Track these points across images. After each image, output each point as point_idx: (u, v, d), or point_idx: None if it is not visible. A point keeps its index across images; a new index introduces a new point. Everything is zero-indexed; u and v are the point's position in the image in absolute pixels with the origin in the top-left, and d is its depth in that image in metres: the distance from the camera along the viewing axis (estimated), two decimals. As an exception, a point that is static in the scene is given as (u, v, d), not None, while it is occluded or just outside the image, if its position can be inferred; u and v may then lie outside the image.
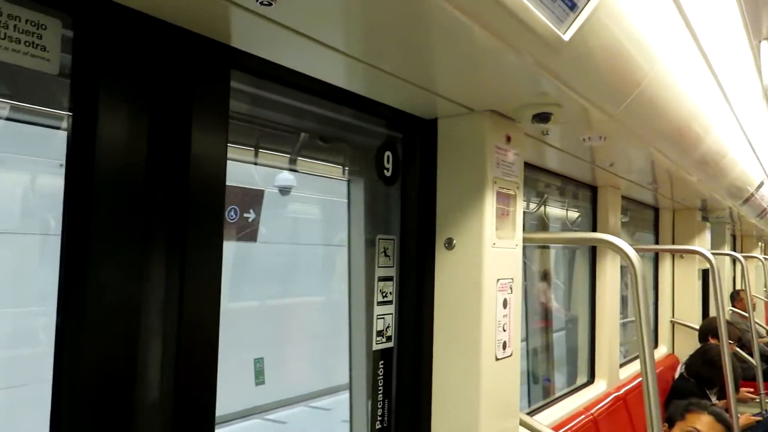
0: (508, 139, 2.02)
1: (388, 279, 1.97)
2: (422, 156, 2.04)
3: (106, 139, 1.17)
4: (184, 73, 1.30)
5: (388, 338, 1.97)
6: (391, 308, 1.98)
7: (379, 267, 1.95)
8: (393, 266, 2.00)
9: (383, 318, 1.95)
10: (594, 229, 3.69)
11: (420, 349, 2.01)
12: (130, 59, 1.21)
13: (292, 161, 2.97)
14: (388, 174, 1.99)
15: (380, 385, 1.94)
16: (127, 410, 1.19)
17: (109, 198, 1.17)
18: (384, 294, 1.95)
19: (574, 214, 3.94)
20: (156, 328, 1.25)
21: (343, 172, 2.38)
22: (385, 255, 1.97)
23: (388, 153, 2.00)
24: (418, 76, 1.64)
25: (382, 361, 1.95)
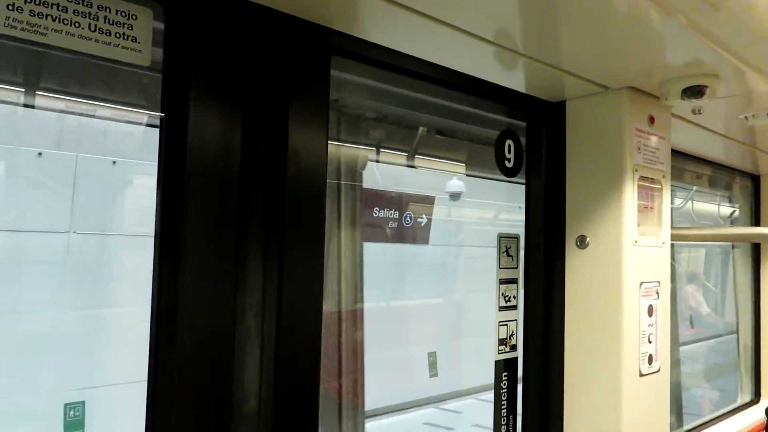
0: (652, 120, 1.74)
1: (512, 281, 1.77)
2: (548, 144, 1.82)
3: (199, 135, 1.10)
4: (280, 60, 1.21)
5: (512, 347, 1.77)
6: (515, 314, 1.78)
7: (500, 268, 1.76)
8: (517, 267, 1.79)
9: (506, 325, 1.76)
10: (756, 224, 3.20)
11: (548, 361, 1.79)
12: (223, 48, 1.13)
13: (410, 158, 2.84)
14: (509, 165, 1.79)
15: (503, 399, 1.75)
16: (223, 420, 1.11)
17: (202, 197, 1.10)
18: (507, 298, 1.76)
19: (726, 210, 3.44)
20: (253, 334, 1.17)
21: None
22: (507, 255, 1.77)
23: (509, 142, 1.80)
24: (544, 51, 1.43)
25: (505, 373, 1.76)
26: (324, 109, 1.26)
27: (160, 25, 1.11)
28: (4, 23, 0.93)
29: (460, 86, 1.64)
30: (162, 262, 1.08)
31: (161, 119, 1.12)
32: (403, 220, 2.20)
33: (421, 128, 2.36)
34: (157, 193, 1.10)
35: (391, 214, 2.13)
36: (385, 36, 1.33)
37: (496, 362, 1.74)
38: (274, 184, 1.19)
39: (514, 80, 1.67)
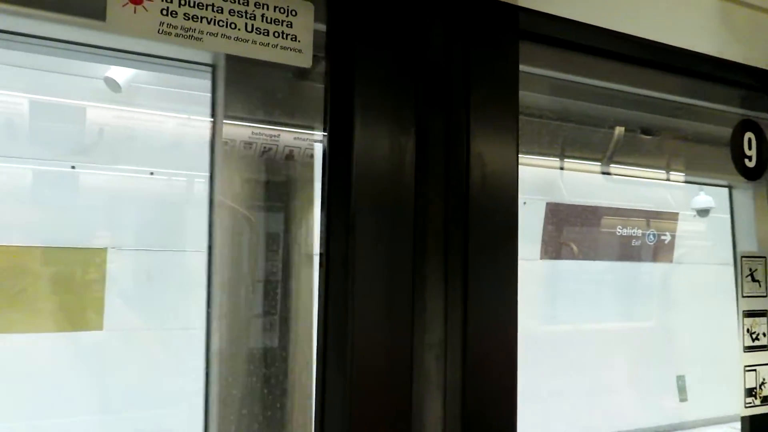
0: None
1: (761, 314, 1.37)
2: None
3: (366, 147, 0.93)
4: (458, 52, 1.02)
5: (765, 399, 1.37)
6: (766, 356, 1.37)
7: (743, 297, 1.38)
8: (766, 296, 1.39)
9: (754, 370, 1.36)
10: None
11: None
12: (392, 44, 0.97)
13: (606, 164, 2.48)
14: (750, 164, 1.41)
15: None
16: (402, 484, 0.92)
17: (372, 214, 0.93)
18: (754, 335, 1.36)
19: None
20: (434, 380, 0.97)
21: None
22: (753, 279, 1.38)
23: (749, 135, 1.41)
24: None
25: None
26: (513, 104, 1.04)
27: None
28: (159, 30, 0.85)
29: (677, 66, 1.31)
30: (328, 289, 0.93)
31: (325, 132, 0.97)
32: (646, 238, 2.01)
33: (618, 128, 2.02)
34: (321, 213, 0.96)
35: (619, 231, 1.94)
36: (580, 6, 1.07)
37: (743, 419, 1.35)
38: (454, 199, 0.99)
39: (753, 52, 1.30)
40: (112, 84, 1.73)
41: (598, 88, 1.54)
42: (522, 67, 1.09)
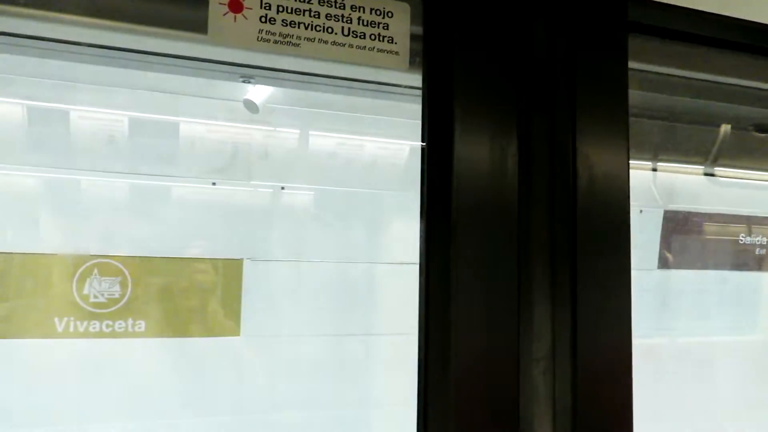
0: None
1: None
2: None
3: (466, 147, 0.89)
4: (561, 48, 0.96)
5: None
6: None
7: None
8: None
9: None
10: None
11: None
12: (490, 41, 0.92)
13: (709, 166, 2.34)
14: None
15: None
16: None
17: (474, 222, 0.89)
18: None
19: None
20: (542, 394, 0.91)
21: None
22: None
23: None
24: None
25: None
26: (622, 102, 0.97)
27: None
28: (258, 37, 0.85)
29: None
30: (428, 301, 0.89)
31: (424, 142, 0.94)
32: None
33: (724, 126, 1.88)
34: (420, 222, 0.92)
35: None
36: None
37: None
38: (560, 201, 0.93)
39: None
40: (251, 105, 1.85)
41: (705, 82, 1.43)
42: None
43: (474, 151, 0.89)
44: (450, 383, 0.85)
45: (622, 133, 0.96)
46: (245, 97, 1.83)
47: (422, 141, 0.93)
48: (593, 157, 0.93)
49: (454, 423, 0.85)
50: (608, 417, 0.91)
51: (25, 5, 0.86)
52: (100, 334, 1.65)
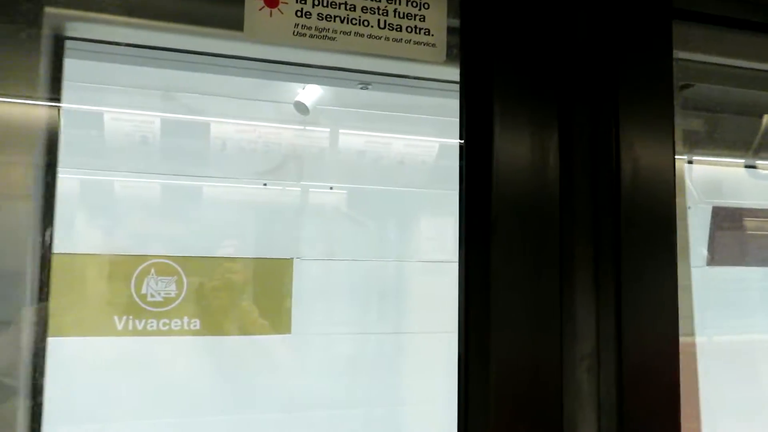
0: None
1: None
2: None
3: (506, 141, 0.87)
4: (603, 37, 0.93)
5: None
6: None
7: None
8: None
9: None
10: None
11: None
12: (530, 31, 0.90)
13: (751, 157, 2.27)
14: None
15: None
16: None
17: (514, 218, 0.87)
18: None
19: None
20: (586, 393, 0.89)
21: None
22: None
23: None
24: None
25: None
26: (667, 92, 0.93)
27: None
28: (294, 32, 0.84)
29: None
30: (468, 300, 0.88)
31: (461, 137, 0.92)
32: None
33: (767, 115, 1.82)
34: (459, 220, 0.90)
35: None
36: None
37: None
38: (604, 196, 0.90)
39: None
40: (302, 108, 1.87)
41: (749, 71, 1.38)
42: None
43: (514, 145, 0.86)
44: (491, 382, 0.83)
45: (668, 124, 0.92)
46: (296, 99, 1.84)
47: (460, 136, 0.91)
48: (637, 149, 0.90)
49: (494, 422, 0.83)
50: (655, 417, 0.88)
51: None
52: (157, 332, 1.67)
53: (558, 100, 0.89)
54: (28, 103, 0.87)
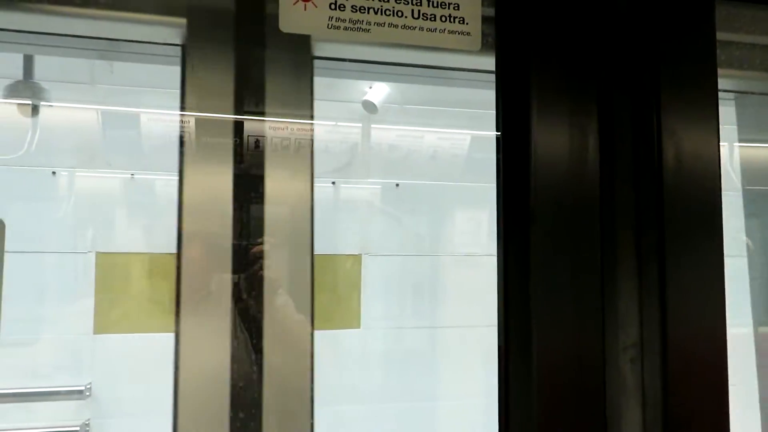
0: None
1: None
2: None
3: (544, 129, 0.86)
4: (643, 20, 0.91)
5: None
6: None
7: None
8: None
9: None
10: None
11: None
12: (568, 14, 0.88)
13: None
14: None
15: None
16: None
17: (554, 207, 0.85)
18: None
19: None
20: (630, 384, 0.87)
21: None
22: None
23: None
24: None
25: None
26: (710, 75, 0.91)
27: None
28: (328, 24, 0.84)
29: None
30: (507, 291, 0.87)
31: (498, 128, 0.91)
32: None
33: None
34: (498, 210, 0.89)
35: None
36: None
37: None
38: (645, 183, 0.88)
39: None
40: (370, 106, 1.89)
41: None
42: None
43: (552, 134, 0.85)
44: (533, 374, 0.83)
45: (711, 108, 0.90)
46: (364, 98, 1.85)
47: (496, 127, 0.90)
48: (681, 134, 0.87)
49: (537, 414, 0.82)
50: (702, 409, 0.86)
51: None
52: None
53: (597, 86, 0.87)
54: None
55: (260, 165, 0.96)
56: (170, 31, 0.97)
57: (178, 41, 0.96)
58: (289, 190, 0.99)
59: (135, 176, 1.94)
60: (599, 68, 0.88)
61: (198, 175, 0.95)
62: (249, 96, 0.96)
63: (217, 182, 0.95)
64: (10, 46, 1.03)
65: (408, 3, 0.86)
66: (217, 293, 0.96)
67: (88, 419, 1.86)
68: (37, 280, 1.86)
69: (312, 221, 1.00)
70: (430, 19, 0.87)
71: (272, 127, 0.96)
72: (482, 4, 0.91)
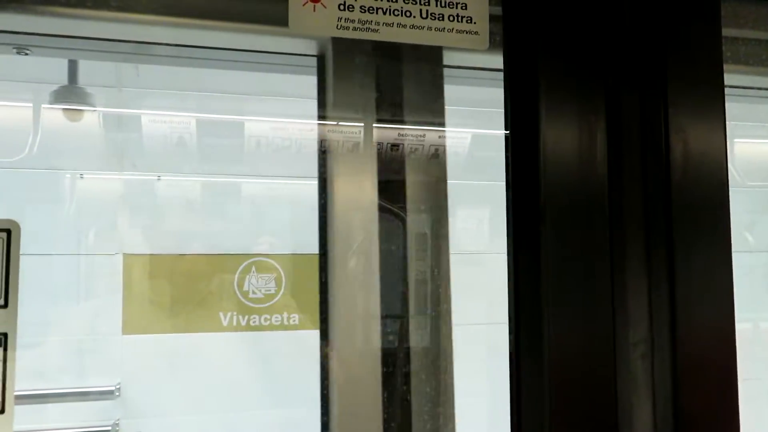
0: None
1: None
2: None
3: (552, 126, 0.86)
4: (650, 16, 0.91)
5: None
6: None
7: None
8: None
9: None
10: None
11: None
12: (575, 12, 0.89)
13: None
14: None
15: None
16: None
17: (563, 204, 0.86)
18: None
19: None
20: (641, 381, 0.88)
21: None
22: None
23: None
24: None
25: None
26: (717, 72, 0.91)
27: None
28: (337, 25, 0.84)
29: None
30: (518, 290, 0.87)
31: (506, 126, 0.91)
32: None
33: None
34: (507, 208, 0.90)
35: None
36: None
37: None
38: (654, 180, 0.89)
39: None
40: None
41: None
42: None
43: (561, 132, 0.86)
44: (544, 370, 0.83)
45: (718, 105, 0.90)
46: None
47: (505, 125, 0.91)
48: (688, 132, 0.88)
49: (548, 410, 0.83)
50: (712, 404, 0.86)
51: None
52: (258, 328, 1.75)
53: (605, 83, 0.88)
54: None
55: (401, 171, 1.01)
56: (306, 43, 1.01)
57: (313, 52, 1.00)
58: (428, 195, 1.04)
59: (161, 178, 1.95)
60: (607, 65, 0.89)
61: (342, 181, 1.00)
62: (387, 104, 1.00)
63: (360, 187, 0.99)
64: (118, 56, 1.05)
65: (416, 3, 0.87)
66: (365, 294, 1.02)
67: (118, 419, 1.88)
68: (67, 281, 1.89)
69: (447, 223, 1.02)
70: (438, 18, 0.87)
71: (408, 134, 1.00)
72: (489, 3, 0.91)
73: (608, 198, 0.86)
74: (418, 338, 1.05)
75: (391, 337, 1.05)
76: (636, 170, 0.89)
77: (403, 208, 1.02)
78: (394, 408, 1.07)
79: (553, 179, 0.85)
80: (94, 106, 1.76)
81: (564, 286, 0.84)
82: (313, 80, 1.03)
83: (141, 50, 1.03)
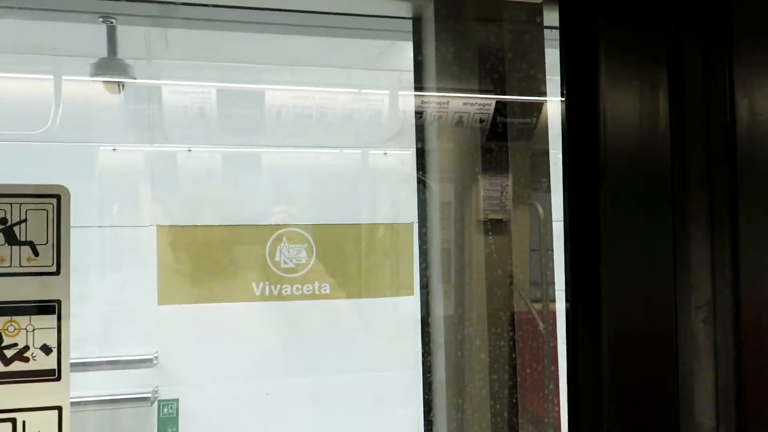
0: None
1: None
2: None
3: (614, 92, 0.83)
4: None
5: None
6: None
7: None
8: None
9: None
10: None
11: None
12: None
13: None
14: None
15: None
16: (669, 460, 0.83)
17: (623, 166, 0.83)
18: None
19: None
20: (702, 345, 0.86)
21: None
22: None
23: None
24: None
25: None
26: (783, 24, 0.87)
27: None
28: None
29: None
30: (573, 254, 0.85)
31: (562, 84, 0.88)
32: None
33: None
34: (564, 172, 0.87)
35: None
36: None
37: None
38: (718, 140, 0.85)
39: None
40: None
41: None
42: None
43: (622, 90, 0.83)
44: (603, 334, 0.82)
45: (786, 59, 0.86)
46: None
47: (561, 84, 0.88)
48: (754, 89, 0.84)
49: (608, 374, 0.81)
50: (776, 368, 0.84)
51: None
52: (290, 297, 1.77)
53: (667, 39, 0.84)
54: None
55: (503, 141, 0.99)
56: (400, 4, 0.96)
57: (408, 14, 0.96)
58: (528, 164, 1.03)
59: (192, 150, 1.95)
60: (668, 20, 0.85)
61: (446, 150, 1.00)
62: (489, 72, 0.98)
63: (464, 157, 0.99)
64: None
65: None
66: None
67: (157, 386, 1.92)
68: (101, 253, 1.92)
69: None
70: None
71: (509, 103, 0.99)
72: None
73: (671, 160, 0.83)
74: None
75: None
76: (700, 131, 0.86)
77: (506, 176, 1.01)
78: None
79: (613, 141, 0.83)
80: (135, 78, 1.74)
81: (624, 251, 0.82)
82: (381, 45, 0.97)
83: (220, 16, 1.01)
